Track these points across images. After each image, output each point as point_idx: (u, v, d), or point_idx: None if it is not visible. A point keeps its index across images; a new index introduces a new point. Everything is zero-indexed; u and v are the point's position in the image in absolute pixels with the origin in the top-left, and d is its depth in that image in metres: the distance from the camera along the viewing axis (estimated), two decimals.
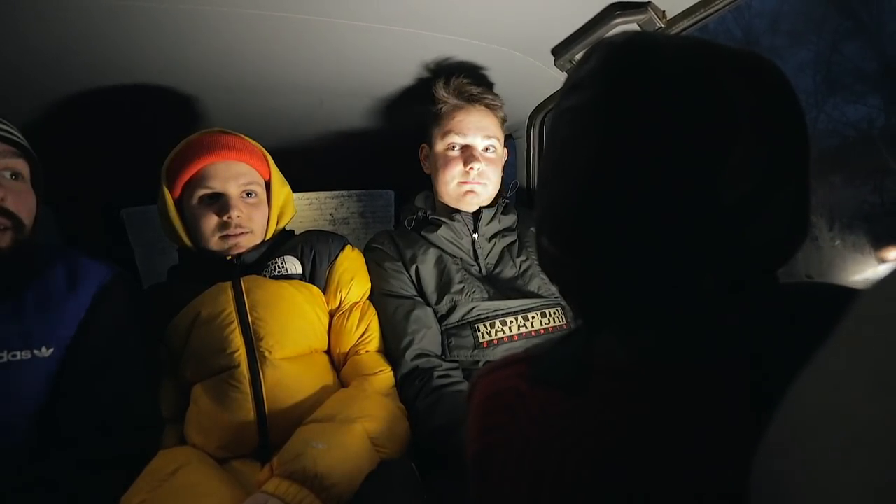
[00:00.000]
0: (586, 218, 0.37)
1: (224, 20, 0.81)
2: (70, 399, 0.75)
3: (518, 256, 1.11)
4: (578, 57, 0.99)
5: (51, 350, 0.75)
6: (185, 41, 0.86)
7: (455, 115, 1.09)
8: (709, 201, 0.34)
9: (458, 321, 1.02)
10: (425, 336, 1.00)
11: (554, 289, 1.06)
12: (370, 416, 0.83)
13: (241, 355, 0.86)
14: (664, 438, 0.33)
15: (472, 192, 1.10)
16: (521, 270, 1.09)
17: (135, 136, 1.17)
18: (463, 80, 1.07)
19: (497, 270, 1.09)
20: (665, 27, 0.88)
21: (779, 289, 0.37)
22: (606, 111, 0.37)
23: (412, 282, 1.08)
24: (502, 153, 1.16)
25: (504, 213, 1.14)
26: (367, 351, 0.99)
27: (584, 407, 0.36)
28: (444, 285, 1.05)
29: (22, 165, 0.79)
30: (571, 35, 0.96)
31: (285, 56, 0.95)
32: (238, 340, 0.87)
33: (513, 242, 1.14)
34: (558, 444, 0.35)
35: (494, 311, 1.01)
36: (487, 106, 1.11)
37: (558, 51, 1.01)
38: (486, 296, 1.03)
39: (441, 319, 1.04)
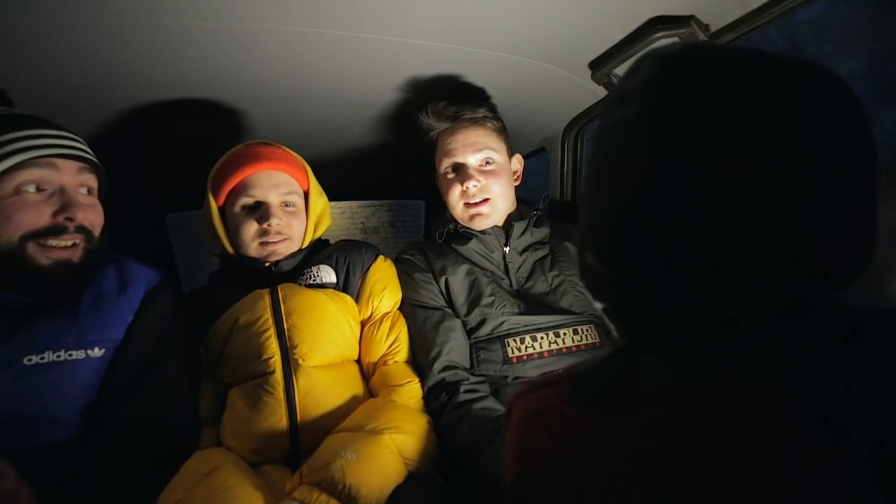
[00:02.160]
0: (635, 234, 0.36)
1: (268, 37, 0.84)
2: (116, 397, 0.79)
3: (550, 271, 1.08)
4: (618, 70, 0.98)
5: (102, 350, 0.79)
6: (230, 58, 0.90)
7: (444, 138, 1.11)
8: (766, 218, 0.33)
9: (488, 335, 1.01)
10: (453, 348, 0.99)
11: (586, 305, 1.03)
12: (398, 427, 0.83)
13: (276, 361, 0.88)
14: (716, 466, 0.31)
15: (478, 215, 1.08)
16: (553, 286, 1.06)
17: (181, 146, 1.23)
18: (441, 104, 1.08)
19: (528, 285, 1.07)
20: (708, 41, 0.86)
21: (843, 311, 0.35)
22: (658, 124, 0.35)
23: (441, 293, 1.07)
24: (507, 163, 1.13)
25: (536, 225, 1.12)
26: (395, 361, 0.99)
27: (631, 431, 0.34)
28: (474, 298, 1.04)
29: (93, 181, 0.84)
30: (610, 49, 0.95)
31: (324, 71, 0.99)
32: (274, 347, 0.89)
33: (545, 256, 1.11)
34: (603, 469, 0.34)
35: (525, 326, 1.00)
36: (471, 121, 1.09)
37: (596, 64, 1.00)
38: (516, 310, 1.02)
39: (470, 332, 1.03)
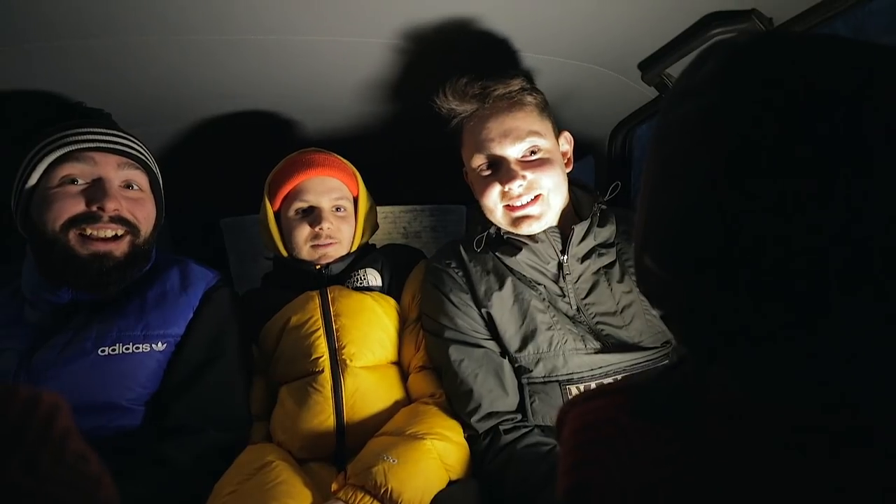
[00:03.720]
0: (700, 236, 0.34)
1: (318, 49, 0.87)
2: (177, 390, 0.84)
3: (619, 283, 0.88)
4: (670, 71, 0.94)
5: (165, 345, 0.85)
6: (284, 70, 0.94)
7: (472, 126, 0.88)
8: (855, 219, 0.30)
9: (544, 378, 0.84)
10: (497, 398, 0.84)
11: (659, 331, 0.86)
12: (439, 434, 0.83)
13: (325, 361, 0.91)
14: (783, 486, 0.29)
15: (526, 217, 0.86)
16: (622, 305, 0.86)
17: (237, 154, 1.29)
18: (463, 80, 0.86)
19: (589, 300, 0.87)
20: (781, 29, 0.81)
21: None
22: (729, 117, 0.33)
23: (483, 319, 0.89)
24: (556, 147, 0.90)
25: (600, 224, 0.89)
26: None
27: (696, 447, 0.32)
28: (528, 332, 0.85)
29: (140, 176, 0.88)
30: (662, 48, 0.91)
31: (372, 81, 1.01)
32: (323, 347, 0.92)
33: (612, 263, 0.90)
34: (667, 486, 0.32)
35: (591, 369, 0.83)
36: (506, 99, 0.85)
37: (647, 65, 0.96)
38: (581, 347, 0.84)
39: (520, 370, 0.86)
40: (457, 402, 0.88)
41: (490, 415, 0.85)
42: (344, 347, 0.92)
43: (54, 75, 0.85)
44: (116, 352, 0.81)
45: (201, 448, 0.80)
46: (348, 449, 0.87)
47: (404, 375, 1.02)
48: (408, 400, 0.97)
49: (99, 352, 0.80)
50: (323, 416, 0.87)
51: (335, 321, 0.95)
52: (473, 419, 0.84)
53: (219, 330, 0.90)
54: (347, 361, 0.91)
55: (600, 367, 0.83)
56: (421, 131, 1.29)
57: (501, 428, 0.83)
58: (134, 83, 0.92)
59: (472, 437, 0.86)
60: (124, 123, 0.94)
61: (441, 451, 0.82)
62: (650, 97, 1.09)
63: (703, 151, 0.34)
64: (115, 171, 0.84)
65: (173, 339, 0.86)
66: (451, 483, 0.81)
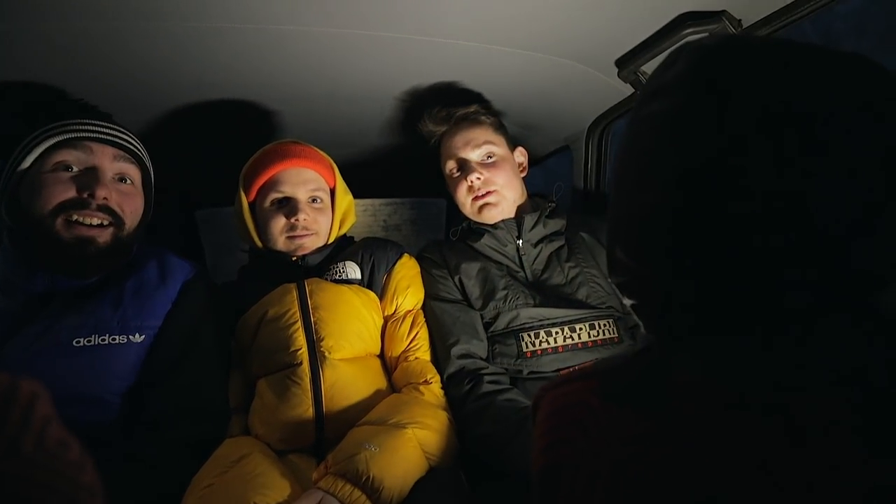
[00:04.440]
0: (667, 230, 0.36)
1: (298, 39, 0.86)
2: (153, 382, 0.83)
3: (567, 262, 1.08)
4: (645, 68, 0.97)
5: (143, 336, 0.84)
6: (261, 59, 0.92)
7: (444, 141, 1.15)
8: (808, 215, 0.32)
9: (503, 329, 1.02)
10: (471, 339, 1.00)
11: (604, 297, 1.03)
12: (420, 423, 0.84)
13: (304, 353, 0.91)
14: (747, 464, 0.31)
15: (486, 205, 1.10)
16: (570, 277, 1.06)
17: (214, 144, 1.27)
18: (434, 109, 1.13)
19: (544, 277, 1.08)
20: (746, 34, 0.84)
21: (882, 315, 0.34)
22: (696, 116, 0.35)
23: (457, 287, 1.09)
24: (509, 155, 1.15)
25: (550, 217, 1.12)
26: (416, 358, 1.00)
27: (661, 427, 0.34)
28: (488, 292, 1.05)
29: (133, 171, 0.89)
30: (638, 45, 0.94)
31: (352, 70, 1.00)
32: (301, 339, 0.92)
33: (561, 247, 1.12)
34: (634, 464, 0.34)
35: (540, 320, 1.00)
36: (465, 119, 1.12)
37: (623, 62, 0.99)
38: (531, 302, 1.02)
39: (486, 326, 1.04)
40: (439, 344, 1.02)
41: (467, 354, 0.99)
42: (322, 340, 0.92)
43: (20, 60, 0.82)
44: (92, 343, 0.79)
45: (176, 442, 0.79)
46: (328, 440, 0.87)
47: (386, 367, 1.02)
48: (390, 391, 0.97)
49: (74, 343, 0.78)
50: (302, 408, 0.87)
51: (313, 313, 0.94)
52: (453, 352, 0.99)
53: (196, 322, 0.89)
54: (326, 353, 0.91)
55: (548, 319, 1.00)
56: (401, 124, 1.29)
57: (485, 378, 0.95)
58: (104, 70, 0.89)
59: (451, 377, 0.97)
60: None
61: (422, 439, 0.83)
62: (626, 94, 1.11)
63: (668, 150, 0.36)
64: (109, 163, 0.85)
65: (152, 330, 0.85)
66: (432, 470, 0.82)
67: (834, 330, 0.33)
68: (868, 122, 0.33)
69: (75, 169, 0.82)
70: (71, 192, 0.81)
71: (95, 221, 0.82)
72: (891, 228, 0.33)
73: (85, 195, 0.81)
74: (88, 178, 0.82)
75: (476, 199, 1.10)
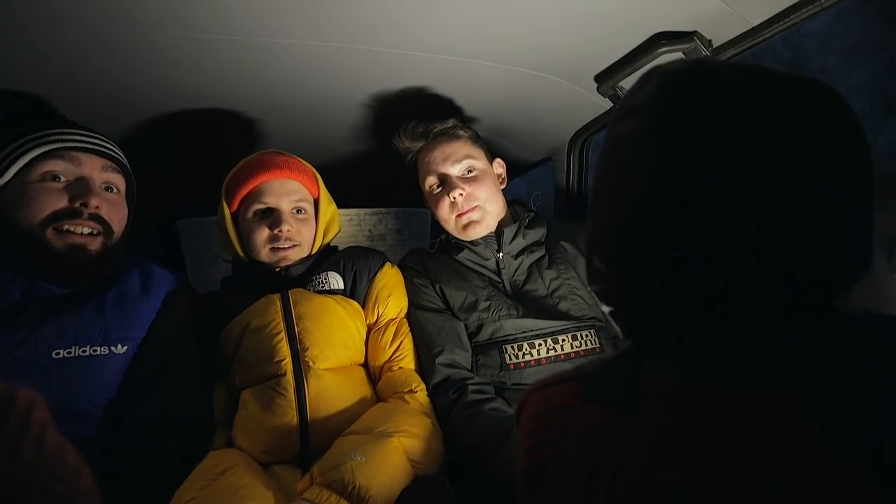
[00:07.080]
0: (640, 241, 0.38)
1: (282, 51, 0.87)
2: (135, 394, 0.81)
3: (547, 269, 1.08)
4: (622, 84, 1.00)
5: (125, 348, 0.83)
6: (246, 70, 0.93)
7: (422, 156, 1.13)
8: (766, 227, 0.35)
9: (487, 340, 1.02)
10: (456, 347, 1.01)
11: (585, 308, 1.04)
12: (406, 431, 0.85)
13: (288, 364, 0.90)
14: (715, 462, 0.33)
15: (471, 223, 1.08)
16: (551, 289, 1.06)
17: (196, 154, 1.26)
18: (410, 124, 1.11)
19: (526, 288, 1.07)
20: (711, 56, 0.88)
21: (839, 318, 0.37)
22: (662, 137, 0.38)
23: (439, 296, 1.09)
24: (489, 168, 1.14)
25: (529, 227, 1.12)
26: (400, 367, 1.01)
27: (636, 426, 0.36)
28: (470, 304, 1.05)
29: (119, 181, 0.90)
30: (615, 63, 0.97)
31: (337, 83, 1.02)
32: (285, 350, 0.91)
33: (542, 257, 1.11)
34: (610, 462, 0.35)
35: (523, 331, 1.00)
36: (444, 134, 1.11)
37: (602, 77, 1.02)
38: (514, 313, 1.01)
39: (470, 336, 1.04)
40: (424, 352, 1.02)
41: (452, 364, 0.99)
42: (307, 350, 0.92)
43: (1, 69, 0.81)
44: (72, 354, 0.78)
45: (160, 454, 0.77)
46: (313, 451, 0.87)
47: (371, 376, 1.02)
48: (375, 400, 0.97)
49: (53, 355, 0.76)
50: (286, 419, 0.86)
51: (297, 324, 0.94)
52: (438, 361, 0.99)
53: (179, 334, 0.88)
54: (311, 364, 0.91)
55: (531, 330, 1.00)
56: (386, 135, 1.30)
57: (470, 388, 0.95)
58: (85, 78, 0.88)
59: (437, 387, 0.97)
60: (77, 119, 0.90)
61: (408, 448, 0.83)
62: (605, 108, 1.15)
63: (641, 165, 0.38)
64: (98, 173, 0.86)
65: (135, 341, 0.84)
66: (417, 478, 0.82)
67: (798, 331, 0.36)
68: (822, 140, 0.36)
69: (63, 179, 0.82)
70: (62, 202, 0.81)
71: (87, 230, 0.82)
72: (844, 238, 0.36)
73: (77, 205, 0.81)
74: (80, 187, 0.82)
75: (460, 216, 1.09)
